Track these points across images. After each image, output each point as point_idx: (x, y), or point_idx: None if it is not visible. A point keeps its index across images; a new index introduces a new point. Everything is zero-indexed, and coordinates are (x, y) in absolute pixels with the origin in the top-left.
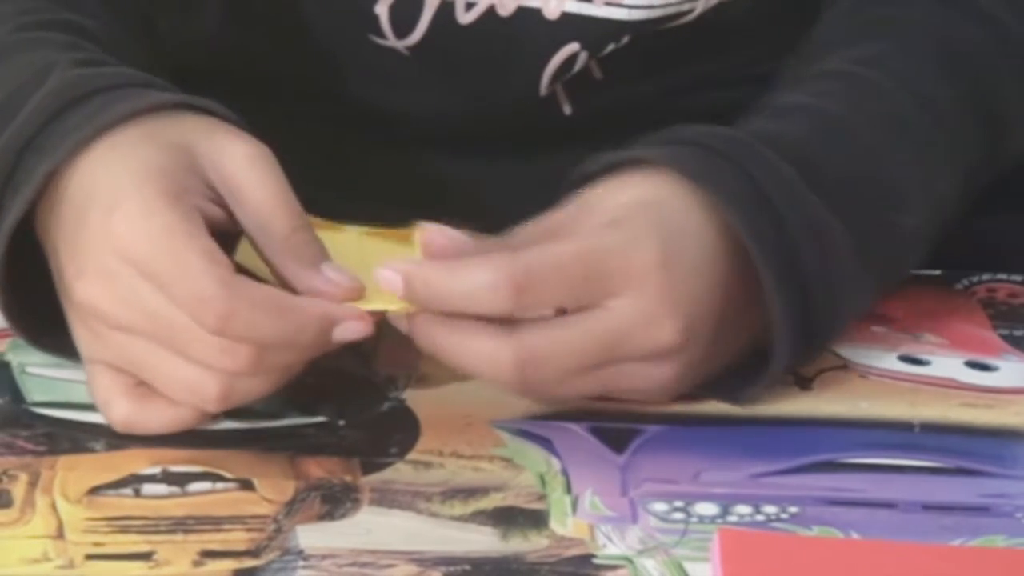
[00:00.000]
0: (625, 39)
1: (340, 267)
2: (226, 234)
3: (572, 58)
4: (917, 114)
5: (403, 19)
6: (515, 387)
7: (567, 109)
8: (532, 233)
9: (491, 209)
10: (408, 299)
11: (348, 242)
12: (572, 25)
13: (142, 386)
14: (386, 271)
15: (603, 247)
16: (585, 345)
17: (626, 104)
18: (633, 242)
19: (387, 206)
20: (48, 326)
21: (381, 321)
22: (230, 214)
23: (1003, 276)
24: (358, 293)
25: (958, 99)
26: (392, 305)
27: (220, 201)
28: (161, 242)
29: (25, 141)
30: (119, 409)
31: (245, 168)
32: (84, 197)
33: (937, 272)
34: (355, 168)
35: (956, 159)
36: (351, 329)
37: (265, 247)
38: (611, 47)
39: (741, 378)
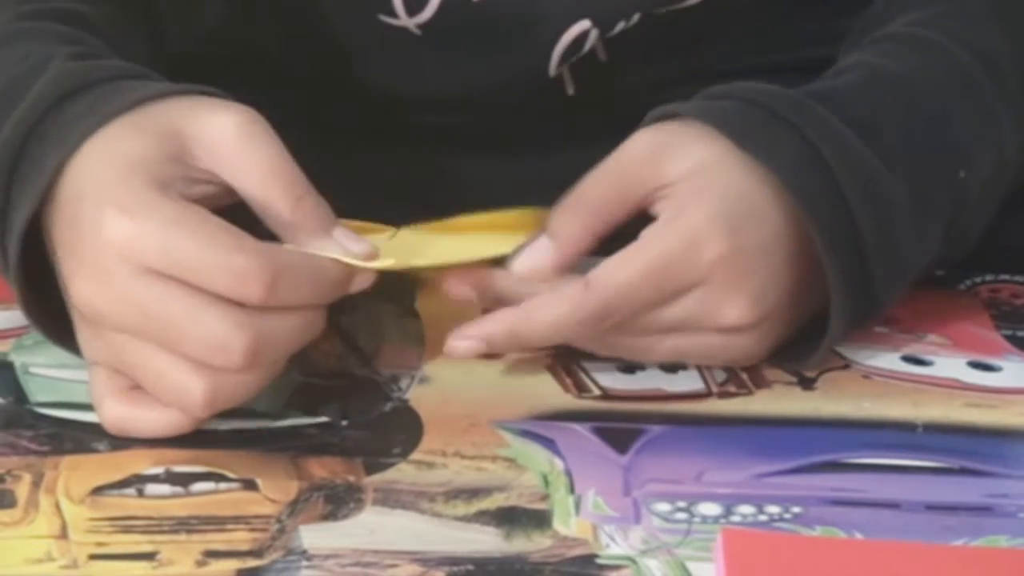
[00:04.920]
0: (636, 17)
1: (350, 232)
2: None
3: (582, 37)
4: (979, 72)
5: None
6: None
7: (570, 90)
8: (599, 188)
9: (494, 192)
10: (492, 348)
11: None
12: (583, 2)
13: (136, 389)
14: (461, 341)
15: (669, 256)
16: (658, 321)
17: (630, 87)
18: (697, 241)
19: (389, 193)
20: (59, 319)
21: (384, 320)
22: (229, 188)
23: (1006, 276)
24: (371, 257)
25: (1017, 57)
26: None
27: (215, 179)
28: (174, 231)
29: (28, 128)
30: (110, 410)
31: (235, 140)
32: (74, 194)
33: (940, 272)
34: (356, 156)
35: (1018, 116)
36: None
37: (271, 219)
38: (621, 25)
39: (806, 344)
